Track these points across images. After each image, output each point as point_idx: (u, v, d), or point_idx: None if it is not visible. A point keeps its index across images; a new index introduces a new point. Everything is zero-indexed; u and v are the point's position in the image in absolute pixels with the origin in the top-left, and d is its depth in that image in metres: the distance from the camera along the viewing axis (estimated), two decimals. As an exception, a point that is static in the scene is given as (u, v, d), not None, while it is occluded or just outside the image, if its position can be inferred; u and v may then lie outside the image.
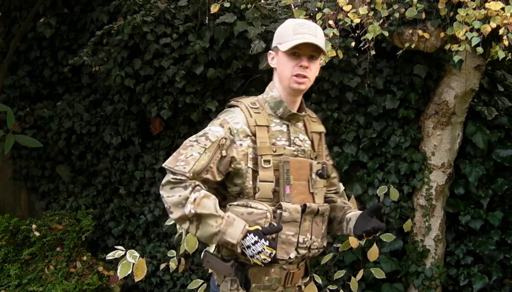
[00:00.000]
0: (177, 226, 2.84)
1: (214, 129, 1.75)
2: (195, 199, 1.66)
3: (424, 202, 3.64)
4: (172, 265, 3.05)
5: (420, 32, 3.20)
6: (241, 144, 1.74)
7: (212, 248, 2.16)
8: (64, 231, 4.42)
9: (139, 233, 4.49)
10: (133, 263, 2.66)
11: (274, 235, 1.72)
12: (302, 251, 1.80)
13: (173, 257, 3.06)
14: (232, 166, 1.74)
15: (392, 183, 3.62)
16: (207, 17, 3.80)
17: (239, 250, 1.67)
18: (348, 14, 3.08)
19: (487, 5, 2.79)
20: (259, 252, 1.64)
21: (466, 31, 2.86)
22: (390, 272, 3.59)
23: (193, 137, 1.76)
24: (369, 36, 3.07)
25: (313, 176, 1.84)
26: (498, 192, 3.62)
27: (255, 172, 1.75)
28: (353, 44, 3.29)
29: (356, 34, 3.21)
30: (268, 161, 1.75)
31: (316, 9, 3.40)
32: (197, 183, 1.69)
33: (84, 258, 4.36)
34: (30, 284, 4.23)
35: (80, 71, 4.74)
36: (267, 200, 1.75)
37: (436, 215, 3.65)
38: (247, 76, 3.98)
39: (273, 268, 1.79)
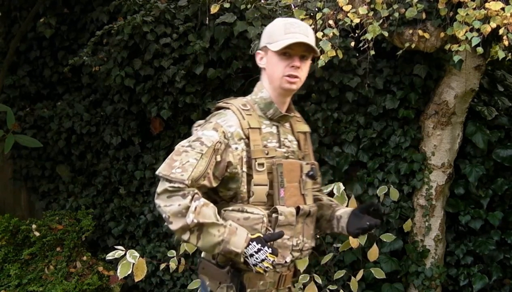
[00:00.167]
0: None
1: (208, 134, 1.68)
2: (195, 208, 1.59)
3: (424, 202, 3.64)
4: (172, 265, 3.05)
5: (420, 32, 3.19)
6: (236, 148, 1.70)
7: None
8: (64, 231, 4.42)
9: (139, 233, 4.49)
10: (133, 263, 2.66)
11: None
12: (296, 254, 1.80)
13: (173, 257, 3.07)
14: (229, 170, 1.69)
15: (392, 183, 3.61)
16: (207, 17, 3.80)
17: (242, 259, 1.63)
18: (348, 14, 3.08)
19: (487, 5, 2.78)
20: (262, 260, 1.61)
21: (466, 31, 2.86)
22: (390, 272, 3.59)
23: (185, 143, 1.68)
24: (369, 36, 3.06)
25: (303, 177, 1.82)
26: (498, 192, 3.62)
27: (249, 176, 1.71)
28: (353, 44, 3.29)
29: (356, 34, 3.21)
30: (262, 164, 1.71)
31: (316, 9, 3.40)
32: (196, 190, 1.63)
33: (84, 258, 4.37)
34: (30, 284, 4.23)
35: (80, 71, 4.74)
36: (261, 204, 1.72)
37: (436, 215, 3.64)
38: (247, 76, 3.98)
39: (267, 272, 1.76)
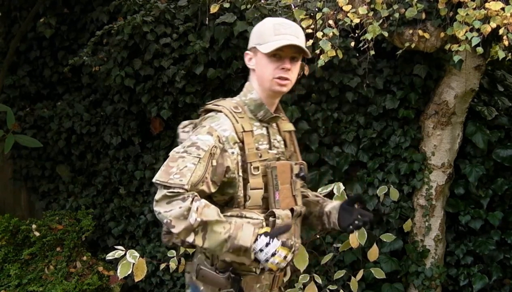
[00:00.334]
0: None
1: (203, 138, 1.64)
2: (197, 208, 1.55)
3: (424, 202, 3.64)
4: (172, 265, 3.05)
5: (420, 32, 3.20)
6: (232, 153, 1.67)
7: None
8: (64, 231, 4.42)
9: (139, 233, 4.49)
10: (133, 263, 2.66)
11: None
12: (293, 254, 1.79)
13: (173, 257, 3.07)
14: (227, 176, 1.67)
15: (392, 183, 3.61)
16: (207, 17, 3.80)
17: (252, 256, 1.59)
18: (348, 14, 3.08)
19: (487, 5, 2.78)
20: (273, 254, 1.57)
21: (466, 31, 2.86)
22: (390, 272, 3.59)
23: (180, 149, 1.65)
24: (369, 36, 3.06)
25: (294, 178, 1.81)
26: (498, 192, 3.62)
27: (244, 180, 1.69)
28: (353, 44, 3.29)
29: (356, 34, 3.21)
30: (257, 168, 1.70)
31: (316, 9, 3.40)
32: (195, 193, 1.59)
33: (84, 258, 4.36)
34: (30, 284, 4.23)
35: (80, 71, 4.74)
36: (256, 208, 1.70)
37: (436, 215, 3.65)
38: (247, 76, 3.97)
39: (263, 275, 1.77)
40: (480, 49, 2.85)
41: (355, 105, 3.81)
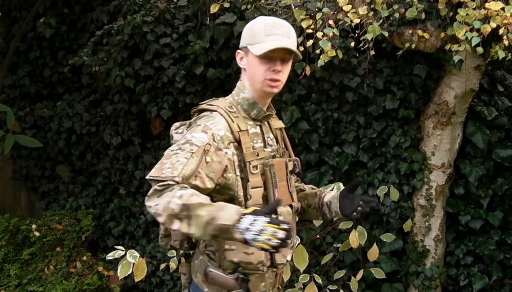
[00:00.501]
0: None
1: (197, 136, 1.64)
2: (181, 195, 1.48)
3: (424, 202, 3.64)
4: (172, 265, 3.05)
5: (420, 32, 3.19)
6: (226, 153, 1.67)
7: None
8: (64, 231, 4.42)
9: (139, 233, 4.49)
10: (133, 263, 2.66)
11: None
12: (292, 252, 1.84)
13: (173, 257, 3.06)
14: (225, 175, 1.67)
15: (392, 183, 3.61)
16: (207, 17, 3.80)
17: (237, 236, 1.44)
18: (348, 14, 3.08)
19: (487, 5, 2.78)
20: (261, 231, 1.40)
21: (466, 31, 2.86)
22: (390, 272, 3.59)
23: (174, 147, 1.64)
24: (369, 36, 3.06)
25: (289, 175, 1.82)
26: (498, 192, 3.62)
27: (243, 179, 1.70)
28: (353, 44, 3.29)
29: (356, 34, 3.21)
30: (256, 166, 1.70)
31: (316, 9, 3.40)
32: (185, 185, 1.54)
33: (84, 258, 4.37)
34: (30, 284, 4.23)
35: (80, 71, 4.74)
36: (258, 206, 1.68)
37: (436, 215, 3.65)
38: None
39: (267, 273, 1.78)
40: (480, 49, 2.85)
41: (355, 105, 3.81)
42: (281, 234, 1.39)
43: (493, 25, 2.78)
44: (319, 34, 3.11)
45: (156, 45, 3.92)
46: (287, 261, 1.80)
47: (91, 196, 4.78)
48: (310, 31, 3.22)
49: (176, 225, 1.49)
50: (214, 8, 3.42)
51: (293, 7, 3.79)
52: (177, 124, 1.88)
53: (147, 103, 4.14)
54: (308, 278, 2.97)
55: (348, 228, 2.94)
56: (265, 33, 1.68)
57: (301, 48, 3.17)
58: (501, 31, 2.79)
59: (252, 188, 1.69)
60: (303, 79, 3.71)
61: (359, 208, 1.86)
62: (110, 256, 2.74)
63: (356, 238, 2.86)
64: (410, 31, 3.24)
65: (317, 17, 3.20)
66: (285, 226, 1.39)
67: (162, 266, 3.34)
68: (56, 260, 4.32)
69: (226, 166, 1.66)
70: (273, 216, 1.45)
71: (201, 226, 1.47)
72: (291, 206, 1.80)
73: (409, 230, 3.65)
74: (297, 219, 1.96)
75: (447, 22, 3.09)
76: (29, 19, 4.74)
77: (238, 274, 1.70)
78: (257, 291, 1.77)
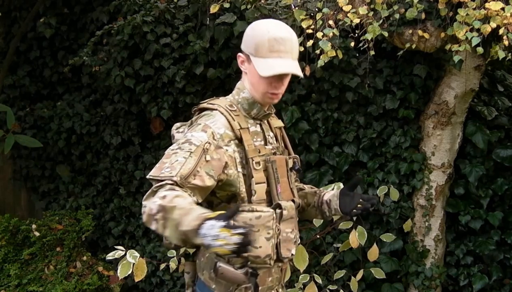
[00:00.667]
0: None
1: (196, 135, 1.66)
2: (164, 196, 1.49)
3: (424, 202, 3.64)
4: (172, 265, 3.05)
5: (420, 32, 3.19)
6: (227, 150, 1.70)
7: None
8: (64, 231, 4.42)
9: (139, 233, 4.49)
10: (133, 263, 2.66)
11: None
12: (296, 246, 1.84)
13: (173, 257, 3.06)
14: (225, 172, 1.69)
15: (392, 183, 3.61)
16: (207, 17, 3.80)
17: (198, 241, 1.41)
18: (348, 14, 3.08)
19: (487, 5, 2.78)
20: (216, 236, 1.35)
21: (466, 31, 2.86)
22: (390, 272, 3.59)
23: (174, 146, 1.66)
24: (369, 36, 3.07)
25: (289, 171, 1.85)
26: (498, 192, 3.62)
27: (245, 176, 1.73)
28: (353, 44, 3.29)
29: (356, 34, 3.21)
30: (258, 163, 1.73)
31: (316, 9, 3.40)
32: (177, 187, 1.54)
33: (84, 258, 4.37)
34: (30, 284, 4.23)
35: (80, 71, 4.74)
36: (262, 202, 1.74)
37: (436, 215, 3.65)
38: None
39: (274, 268, 1.81)
40: (480, 49, 2.85)
41: (355, 105, 3.81)
42: (235, 239, 1.35)
43: (493, 25, 2.78)
44: (319, 35, 3.11)
45: (156, 45, 3.92)
46: (292, 255, 1.82)
47: (91, 196, 4.78)
48: (310, 31, 3.22)
49: (153, 226, 1.49)
50: (214, 8, 3.42)
51: (293, 7, 3.79)
52: (178, 124, 1.90)
53: (147, 103, 4.14)
54: (308, 278, 2.97)
55: (348, 228, 2.93)
56: (268, 49, 1.68)
57: (301, 48, 3.17)
58: (501, 31, 2.79)
59: (256, 184, 1.72)
60: (303, 79, 3.71)
61: (359, 205, 1.89)
62: (110, 256, 2.74)
63: (356, 238, 2.86)
64: (410, 31, 3.23)
65: (317, 17, 3.20)
66: (239, 230, 1.35)
67: (162, 266, 3.34)
68: (56, 260, 4.32)
69: (226, 162, 1.69)
70: (231, 221, 1.40)
71: (173, 229, 1.46)
72: (293, 201, 1.83)
73: (409, 230, 3.65)
74: (297, 219, 1.97)
75: (447, 22, 3.09)
76: (29, 19, 4.74)
77: (248, 268, 1.71)
78: (265, 286, 1.79)
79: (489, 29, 2.79)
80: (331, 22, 3.14)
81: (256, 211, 1.70)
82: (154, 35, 3.93)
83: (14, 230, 4.50)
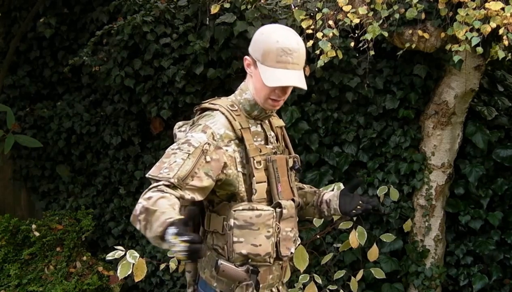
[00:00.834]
0: None
1: (196, 136, 1.69)
2: (150, 197, 1.54)
3: (424, 202, 3.64)
4: (172, 265, 3.05)
5: (420, 32, 3.19)
6: (227, 150, 1.72)
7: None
8: (64, 231, 4.42)
9: (139, 233, 4.48)
10: (133, 263, 2.66)
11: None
12: (295, 244, 1.87)
13: (173, 257, 3.06)
14: (224, 171, 1.71)
15: (392, 183, 3.61)
16: (207, 17, 3.80)
17: (165, 247, 1.44)
18: (348, 14, 3.08)
19: (487, 5, 2.78)
20: (172, 244, 1.38)
21: (466, 31, 2.86)
22: (390, 272, 3.59)
23: (175, 146, 1.70)
24: (369, 36, 3.06)
25: (289, 171, 1.88)
26: (498, 192, 3.62)
27: (245, 175, 1.75)
28: (353, 44, 3.29)
29: (356, 35, 3.21)
30: (259, 162, 1.76)
31: (316, 9, 3.40)
32: (166, 188, 1.58)
33: (84, 258, 4.37)
34: (30, 284, 4.23)
35: (80, 71, 4.74)
36: (262, 200, 1.76)
37: (436, 215, 3.64)
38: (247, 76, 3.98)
39: (274, 266, 1.83)
40: (480, 49, 2.85)
41: (355, 105, 3.81)
42: (182, 246, 1.35)
43: (493, 25, 2.78)
44: (319, 35, 3.11)
45: (156, 45, 3.92)
46: (291, 253, 1.85)
47: (91, 196, 4.78)
48: (310, 31, 3.22)
49: (137, 226, 1.53)
50: (214, 9, 3.42)
51: (293, 7, 3.79)
52: (180, 123, 1.92)
53: (147, 103, 4.14)
54: (308, 278, 2.97)
55: (348, 228, 2.94)
56: (276, 59, 1.69)
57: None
58: (501, 31, 2.79)
59: (257, 183, 1.75)
60: (303, 79, 3.71)
61: (358, 207, 1.93)
62: (110, 256, 2.75)
63: (356, 238, 2.86)
64: (410, 31, 3.23)
65: (317, 18, 3.20)
66: (184, 238, 1.34)
67: (162, 266, 3.34)
68: (56, 260, 4.32)
69: (225, 162, 1.71)
70: (182, 228, 1.39)
71: (150, 232, 1.49)
72: (293, 200, 1.85)
73: (409, 230, 3.65)
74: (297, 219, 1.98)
75: (447, 22, 3.09)
76: (29, 19, 4.74)
77: (248, 266, 1.74)
78: (265, 283, 1.82)
79: (489, 29, 2.79)
80: (331, 22, 3.14)
81: (256, 209, 1.73)
82: (154, 35, 3.93)
83: (14, 230, 4.50)
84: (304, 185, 2.12)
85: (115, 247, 2.78)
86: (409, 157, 3.65)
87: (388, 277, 3.51)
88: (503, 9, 2.76)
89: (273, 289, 1.88)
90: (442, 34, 3.16)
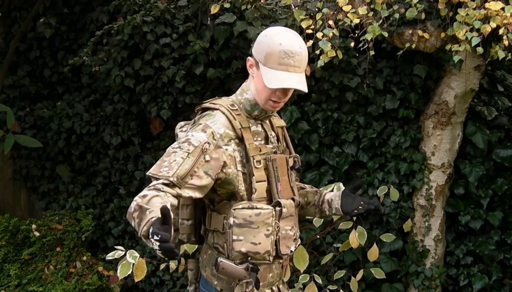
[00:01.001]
0: None
1: (196, 135, 1.71)
2: (144, 196, 1.56)
3: (424, 202, 3.64)
4: (172, 265, 3.05)
5: (420, 32, 3.19)
6: (226, 149, 1.74)
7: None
8: (64, 231, 4.42)
9: (139, 233, 4.49)
10: (133, 263, 2.66)
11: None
12: (295, 243, 1.88)
13: (173, 257, 3.06)
14: (224, 170, 1.73)
15: (392, 183, 3.61)
16: (207, 17, 3.80)
17: (151, 246, 1.46)
18: (348, 15, 3.08)
19: (487, 5, 2.78)
20: (152, 243, 1.41)
21: (466, 31, 2.86)
22: (390, 272, 3.59)
23: (175, 144, 1.72)
24: (369, 36, 3.06)
25: (289, 170, 1.89)
26: (498, 192, 3.62)
27: (244, 174, 1.77)
28: (352, 44, 3.29)
29: (356, 35, 3.21)
30: (259, 161, 1.77)
31: (316, 9, 3.40)
32: (164, 187, 1.59)
33: (84, 258, 4.37)
34: (30, 284, 4.23)
35: (80, 71, 4.74)
36: (262, 199, 1.78)
37: (436, 215, 3.64)
38: (247, 76, 3.97)
39: (274, 264, 1.85)
40: (480, 49, 2.85)
41: (355, 105, 3.81)
42: (155, 245, 1.38)
43: (493, 25, 2.78)
44: (319, 35, 3.11)
45: (156, 45, 3.92)
46: (291, 251, 1.86)
47: (91, 196, 4.78)
48: (310, 31, 3.22)
49: (132, 224, 1.55)
50: (214, 9, 3.42)
51: (293, 7, 3.79)
52: (181, 123, 1.94)
53: (147, 103, 4.14)
54: (308, 278, 2.97)
55: (348, 228, 2.93)
56: (278, 61, 1.71)
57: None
58: (501, 31, 2.79)
59: (256, 182, 1.76)
60: (303, 79, 3.71)
61: (360, 207, 1.96)
62: (110, 256, 2.75)
63: (356, 238, 2.86)
64: (410, 31, 3.23)
65: (317, 18, 3.20)
66: (155, 237, 1.37)
67: (162, 266, 3.34)
68: (56, 260, 4.33)
69: (225, 161, 1.73)
70: (156, 227, 1.39)
71: (140, 230, 1.50)
72: (293, 199, 1.86)
73: (409, 230, 3.64)
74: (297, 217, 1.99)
75: (447, 22, 3.09)
76: (29, 19, 4.74)
77: (248, 264, 1.76)
78: (265, 281, 1.83)
79: (489, 29, 2.79)
80: (331, 22, 3.14)
81: (256, 208, 1.75)
82: (154, 35, 3.93)
83: (14, 230, 4.50)
84: (305, 185, 2.14)
85: (115, 247, 2.78)
86: (409, 157, 3.65)
87: (388, 277, 3.51)
88: (503, 9, 2.76)
89: (274, 288, 1.89)
90: (442, 34, 3.16)
